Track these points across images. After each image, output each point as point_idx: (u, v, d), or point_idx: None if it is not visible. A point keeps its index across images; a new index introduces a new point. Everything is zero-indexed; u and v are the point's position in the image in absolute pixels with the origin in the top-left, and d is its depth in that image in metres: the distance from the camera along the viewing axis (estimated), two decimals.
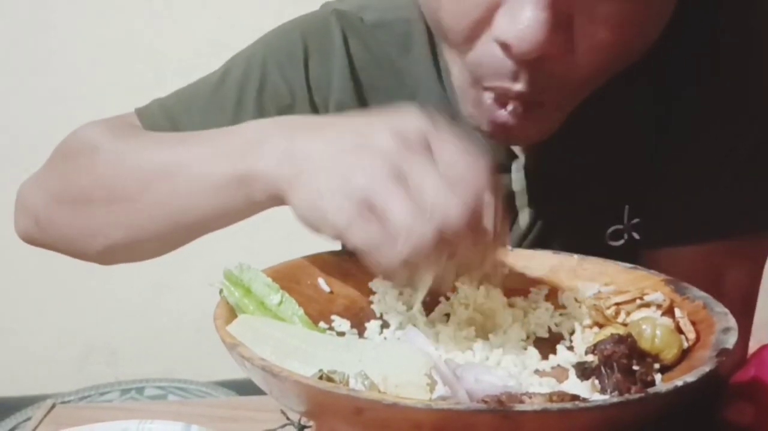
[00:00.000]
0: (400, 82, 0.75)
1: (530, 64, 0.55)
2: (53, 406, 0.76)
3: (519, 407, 0.39)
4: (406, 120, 0.51)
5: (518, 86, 0.57)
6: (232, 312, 0.52)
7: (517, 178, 0.72)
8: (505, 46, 0.55)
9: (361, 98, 0.76)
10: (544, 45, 0.53)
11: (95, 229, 0.68)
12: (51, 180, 0.73)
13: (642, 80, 0.69)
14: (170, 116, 0.77)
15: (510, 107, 0.60)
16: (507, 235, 0.53)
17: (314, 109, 0.76)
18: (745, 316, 0.72)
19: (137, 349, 1.71)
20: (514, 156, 0.72)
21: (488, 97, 0.60)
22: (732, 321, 0.49)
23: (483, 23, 0.56)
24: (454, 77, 0.64)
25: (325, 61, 0.75)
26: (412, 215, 0.47)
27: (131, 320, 1.71)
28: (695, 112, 0.68)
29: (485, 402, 0.40)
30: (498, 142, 0.66)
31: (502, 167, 0.72)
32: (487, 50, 0.57)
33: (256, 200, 0.57)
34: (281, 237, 1.29)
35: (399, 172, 0.48)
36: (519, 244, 0.74)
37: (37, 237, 0.74)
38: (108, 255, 0.70)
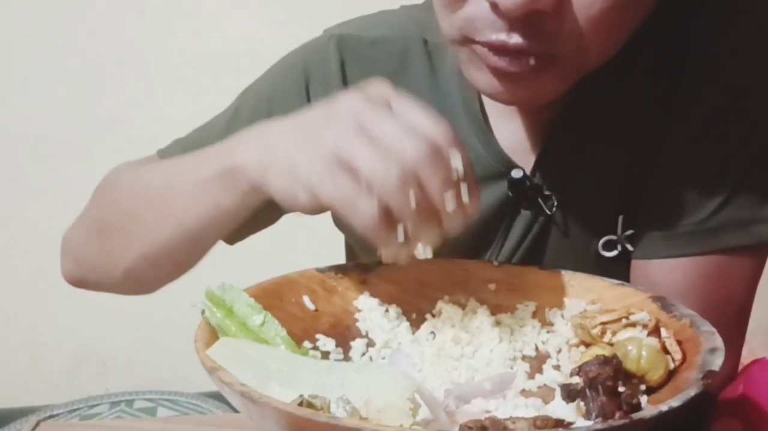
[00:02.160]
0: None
1: (522, 19, 0.56)
2: (38, 424, 0.75)
3: None
4: (369, 88, 0.56)
5: (515, 39, 0.58)
6: (213, 334, 0.51)
7: (513, 185, 0.72)
8: (493, 4, 0.56)
9: None
10: (529, 2, 0.54)
11: (116, 254, 0.72)
12: (85, 218, 0.79)
13: (640, 85, 0.69)
14: (188, 152, 0.78)
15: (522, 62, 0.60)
16: (476, 186, 0.54)
17: None
18: (737, 329, 0.71)
19: (128, 360, 1.70)
20: (512, 165, 0.71)
21: (481, 49, 0.60)
22: (719, 341, 0.48)
23: None
24: (445, 37, 0.64)
25: (324, 88, 0.77)
26: (376, 160, 0.50)
27: (122, 331, 1.69)
28: (692, 122, 0.68)
29: (467, 428, 0.40)
30: (501, 101, 0.65)
31: (499, 175, 0.72)
32: (478, 6, 0.58)
33: (241, 192, 0.60)
34: (274, 250, 1.29)
35: (363, 127, 0.52)
36: (513, 252, 0.73)
37: (78, 276, 0.79)
38: (131, 282, 0.74)
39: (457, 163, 0.52)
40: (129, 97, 1.67)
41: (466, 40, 0.61)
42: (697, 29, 0.67)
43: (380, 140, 0.51)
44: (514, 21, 0.56)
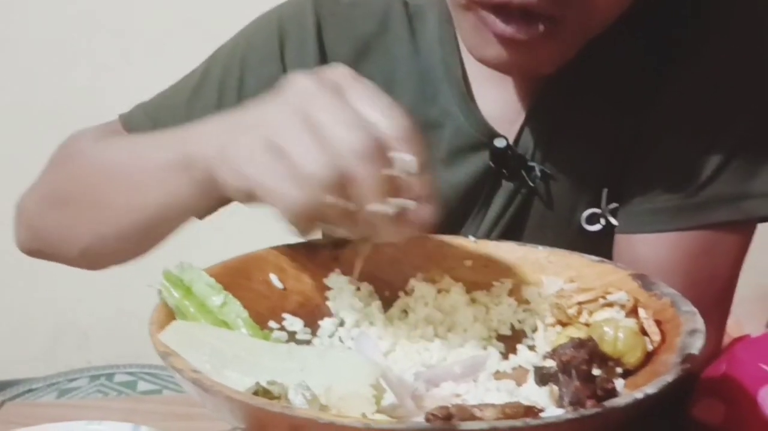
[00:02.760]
0: (376, 63, 0.73)
1: None
2: (2, 404, 0.73)
3: (464, 426, 0.36)
4: (326, 71, 0.51)
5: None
6: (169, 316, 0.49)
7: (496, 155, 0.69)
8: None
9: None
10: None
11: (73, 231, 0.69)
12: (42, 187, 0.75)
13: (629, 56, 0.67)
14: (153, 119, 0.76)
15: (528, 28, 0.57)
16: (429, 191, 0.48)
17: None
18: (721, 306, 0.70)
19: (109, 332, 1.68)
20: (495, 134, 0.69)
21: (488, 15, 0.58)
22: (699, 322, 0.46)
23: None
24: (451, 4, 0.62)
25: (300, 49, 0.74)
26: (310, 150, 0.46)
27: (102, 303, 1.67)
28: (681, 97, 0.65)
29: (429, 419, 0.38)
30: (502, 70, 0.64)
31: (480, 145, 0.69)
32: None
33: (198, 182, 0.56)
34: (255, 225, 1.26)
35: (305, 112, 0.47)
36: (494, 224, 0.71)
37: (33, 247, 0.76)
38: (89, 258, 0.71)
39: (405, 165, 0.46)
40: (104, 65, 1.63)
41: (472, 4, 0.58)
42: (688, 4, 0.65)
43: (319, 129, 0.46)
44: None
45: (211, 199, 0.58)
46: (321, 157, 0.45)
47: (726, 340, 0.98)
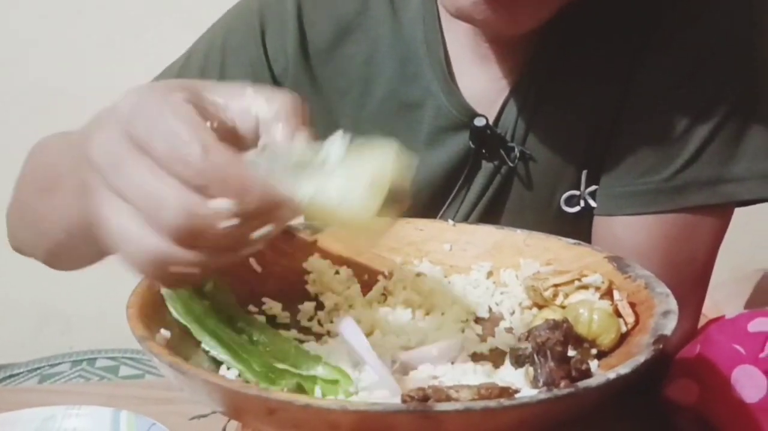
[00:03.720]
0: (357, 43, 0.73)
1: None
2: None
3: (440, 407, 0.36)
4: (134, 120, 0.40)
5: None
6: (147, 301, 0.49)
7: (475, 135, 0.69)
8: None
9: (310, 69, 0.74)
10: None
11: (31, 237, 0.70)
12: (14, 191, 0.74)
13: (608, 39, 0.67)
14: None
15: None
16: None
17: (275, 82, 0.75)
18: (698, 288, 0.71)
19: (92, 318, 1.68)
20: (475, 115, 0.69)
21: None
22: (672, 303, 0.47)
23: None
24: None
25: (280, 32, 0.73)
26: (128, 226, 0.39)
27: (86, 288, 1.66)
28: (660, 80, 0.66)
29: (405, 400, 0.38)
30: (478, 23, 0.61)
31: (460, 125, 0.70)
32: None
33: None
34: None
35: (112, 184, 0.39)
36: (474, 205, 0.72)
37: (14, 245, 0.76)
38: (53, 264, 0.71)
39: (222, 207, 0.38)
40: (87, 50, 1.62)
41: None
42: None
43: (132, 201, 0.38)
44: None
45: None
46: (173, 206, 0.37)
47: (704, 322, 1.00)
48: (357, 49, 0.73)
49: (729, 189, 0.65)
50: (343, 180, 0.40)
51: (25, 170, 0.71)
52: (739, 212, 0.74)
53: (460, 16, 0.60)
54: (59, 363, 1.35)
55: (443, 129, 0.70)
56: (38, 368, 1.34)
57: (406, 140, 0.70)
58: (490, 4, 0.57)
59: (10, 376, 1.34)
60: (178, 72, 0.76)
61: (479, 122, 0.69)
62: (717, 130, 0.64)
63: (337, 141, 0.41)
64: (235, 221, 0.38)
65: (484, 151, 0.70)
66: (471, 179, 0.72)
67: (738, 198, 0.66)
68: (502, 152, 0.69)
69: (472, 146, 0.69)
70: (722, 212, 0.67)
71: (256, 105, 0.43)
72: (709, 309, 1.48)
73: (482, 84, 0.70)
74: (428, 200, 0.71)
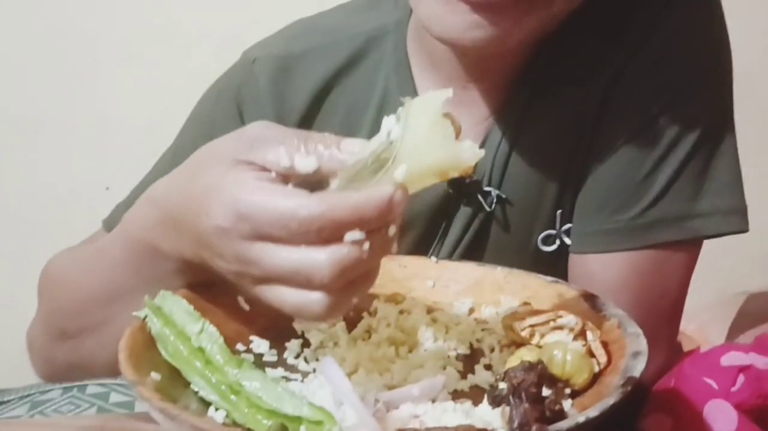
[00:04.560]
0: (334, 104, 0.75)
1: None
2: None
3: None
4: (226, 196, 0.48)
5: None
6: (138, 343, 0.50)
7: (452, 182, 0.71)
8: None
9: None
10: None
11: (86, 357, 0.66)
12: (40, 319, 0.72)
13: (577, 83, 0.69)
14: None
15: None
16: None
17: None
18: (672, 321, 0.73)
19: None
20: None
21: None
22: (642, 344, 0.49)
23: None
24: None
25: (256, 110, 0.75)
26: (295, 300, 0.47)
27: None
28: (627, 120, 0.68)
29: None
30: (463, 42, 0.62)
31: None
32: None
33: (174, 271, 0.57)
34: None
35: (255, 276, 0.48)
36: (454, 248, 0.74)
37: (56, 375, 0.74)
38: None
39: (355, 238, 0.45)
40: (74, 75, 1.63)
41: None
42: (637, 23, 0.67)
43: (281, 278, 0.47)
44: None
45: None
46: (320, 267, 0.45)
47: (690, 345, 1.02)
48: (335, 109, 0.75)
49: (696, 225, 0.67)
50: (417, 144, 0.46)
51: (51, 297, 0.69)
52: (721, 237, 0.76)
53: (447, 37, 0.62)
54: (50, 390, 1.35)
55: None
56: (29, 395, 1.35)
57: None
58: (485, 17, 0.59)
59: (1, 403, 1.35)
60: (170, 171, 0.77)
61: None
62: (682, 167, 0.67)
63: (389, 121, 0.47)
64: (367, 243, 0.45)
65: (461, 196, 0.72)
66: (450, 223, 0.74)
67: (705, 233, 0.68)
68: (479, 196, 0.71)
69: (450, 191, 0.71)
70: (691, 247, 0.70)
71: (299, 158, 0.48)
72: (694, 333, 1.50)
73: None
74: (409, 243, 0.73)
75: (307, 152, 0.48)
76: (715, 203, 0.67)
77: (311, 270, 0.45)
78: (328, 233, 0.45)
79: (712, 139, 0.68)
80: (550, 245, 0.72)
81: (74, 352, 0.66)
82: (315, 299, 0.46)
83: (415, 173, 0.46)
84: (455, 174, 0.48)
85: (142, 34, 1.62)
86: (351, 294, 0.48)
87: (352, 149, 0.48)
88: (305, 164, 0.48)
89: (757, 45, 1.62)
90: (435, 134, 0.46)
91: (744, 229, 0.68)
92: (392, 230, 0.47)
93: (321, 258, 0.45)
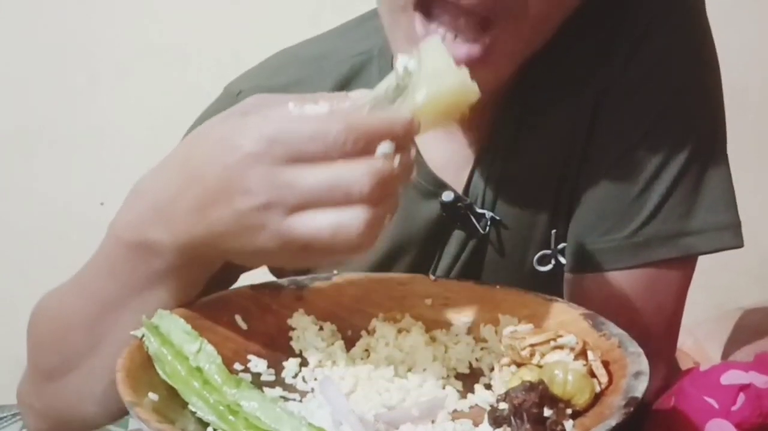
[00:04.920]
0: None
1: None
2: None
3: None
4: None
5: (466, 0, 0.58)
6: (135, 363, 0.50)
7: (446, 206, 0.71)
8: None
9: None
10: None
11: (74, 397, 0.62)
12: (29, 368, 0.68)
13: (566, 103, 0.69)
14: None
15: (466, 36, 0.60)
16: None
17: None
18: (669, 338, 0.72)
19: None
20: (443, 185, 0.71)
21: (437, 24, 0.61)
22: (644, 364, 0.49)
23: None
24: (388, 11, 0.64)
25: None
26: (332, 225, 0.47)
27: None
28: (618, 139, 0.68)
29: None
30: None
31: (430, 194, 0.72)
32: None
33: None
34: None
35: (283, 155, 0.47)
36: (449, 271, 0.73)
37: (50, 428, 0.69)
38: (109, 411, 0.62)
39: (386, 150, 0.48)
40: (71, 91, 1.63)
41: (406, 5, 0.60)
42: (623, 42, 0.67)
43: (318, 199, 0.47)
44: None
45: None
46: (359, 178, 0.46)
47: (688, 361, 1.01)
48: None
49: (689, 242, 0.67)
50: (432, 73, 0.51)
51: (41, 332, 0.65)
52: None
53: None
54: None
55: (414, 200, 0.73)
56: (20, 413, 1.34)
57: None
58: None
59: None
60: None
61: (447, 196, 0.71)
62: (674, 186, 0.67)
63: (403, 59, 0.52)
64: (398, 157, 0.48)
65: (455, 219, 0.72)
66: (444, 246, 0.74)
67: (699, 250, 0.68)
68: (473, 218, 0.71)
69: (444, 214, 0.71)
70: (685, 264, 0.70)
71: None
72: (692, 349, 1.49)
73: (447, 155, 0.73)
74: (405, 266, 0.72)
75: (315, 103, 0.50)
76: (708, 220, 0.67)
77: (350, 182, 0.46)
78: (362, 146, 0.47)
79: (703, 156, 0.68)
80: (545, 265, 0.72)
81: (60, 395, 0.63)
82: (353, 216, 0.47)
83: (433, 98, 0.51)
84: (465, 107, 0.52)
85: (140, 50, 1.62)
86: (385, 212, 0.48)
87: (360, 96, 0.51)
88: (317, 110, 0.50)
89: (748, 58, 1.63)
90: (446, 64, 0.52)
91: (738, 245, 0.68)
92: (413, 151, 0.50)
93: (359, 168, 0.46)
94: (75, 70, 1.63)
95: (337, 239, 0.47)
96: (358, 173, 0.46)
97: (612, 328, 0.54)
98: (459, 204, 0.71)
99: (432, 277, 0.65)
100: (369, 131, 0.47)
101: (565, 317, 0.58)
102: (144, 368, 0.51)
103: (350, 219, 0.47)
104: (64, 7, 1.61)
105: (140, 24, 1.63)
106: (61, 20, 1.62)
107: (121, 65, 1.64)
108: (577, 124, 0.69)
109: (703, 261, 0.73)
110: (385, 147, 0.48)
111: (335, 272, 0.64)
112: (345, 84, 0.74)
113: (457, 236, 0.72)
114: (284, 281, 0.64)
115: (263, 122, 0.48)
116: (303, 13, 1.56)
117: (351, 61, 0.74)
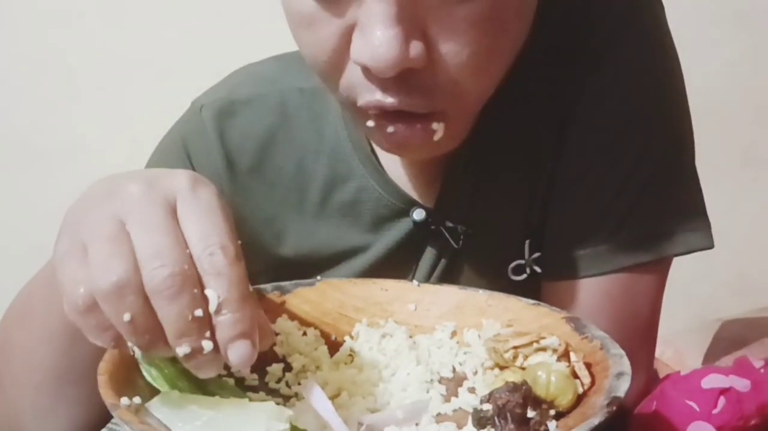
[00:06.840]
0: (284, 153, 0.75)
1: (396, 79, 0.55)
2: None
3: None
4: (164, 178, 0.48)
5: (390, 100, 0.57)
6: (118, 366, 0.50)
7: (417, 224, 0.72)
8: (364, 68, 0.55)
9: (243, 187, 0.76)
10: (400, 61, 0.53)
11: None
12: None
13: (533, 113, 0.70)
14: None
15: (399, 126, 0.59)
16: (243, 320, 0.46)
17: None
18: (647, 342, 0.73)
19: None
20: (413, 202, 0.72)
21: (371, 115, 0.60)
22: (626, 365, 0.49)
23: (343, 49, 0.57)
24: (341, 110, 0.64)
25: (207, 160, 0.75)
26: (108, 262, 0.44)
27: None
28: (585, 148, 0.69)
29: None
30: (402, 155, 0.66)
31: (401, 212, 0.73)
32: (355, 72, 0.57)
33: None
34: None
35: (121, 222, 0.45)
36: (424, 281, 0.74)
37: None
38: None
39: (212, 294, 0.44)
40: (51, 103, 1.63)
41: (352, 105, 0.60)
42: (584, 54, 0.68)
43: (127, 244, 0.44)
44: (387, 81, 0.56)
45: None
46: (113, 271, 0.43)
47: (667, 372, 1.02)
48: (285, 160, 0.75)
49: (661, 244, 0.68)
50: None
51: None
52: (697, 263, 0.76)
53: (394, 152, 0.64)
54: None
55: (385, 218, 0.73)
56: None
57: (351, 232, 0.73)
58: (413, 149, 0.61)
59: None
60: None
61: (419, 215, 0.72)
62: (643, 191, 0.68)
63: None
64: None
65: (427, 236, 0.72)
66: (418, 262, 0.74)
67: (670, 253, 0.69)
68: (446, 233, 0.72)
69: (416, 231, 0.72)
70: (659, 267, 0.70)
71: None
72: (672, 359, 1.50)
73: (416, 172, 0.73)
74: None
75: None
76: (678, 223, 0.68)
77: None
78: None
79: (670, 163, 0.69)
80: (520, 274, 0.72)
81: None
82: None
83: None
84: None
85: (121, 64, 1.62)
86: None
87: None
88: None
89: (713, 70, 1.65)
90: None
91: (709, 245, 0.69)
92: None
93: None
94: (55, 86, 1.63)
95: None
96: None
97: (594, 331, 0.55)
98: (430, 220, 0.71)
99: (415, 282, 0.65)
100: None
101: (548, 320, 0.58)
102: (127, 371, 0.50)
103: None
104: (45, 20, 1.61)
105: (121, 39, 1.63)
106: (41, 35, 1.61)
107: (102, 80, 1.64)
108: (543, 137, 0.70)
109: (683, 273, 0.74)
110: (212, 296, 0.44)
111: (318, 278, 0.64)
112: (302, 107, 0.75)
113: (431, 252, 0.73)
114: (267, 286, 0.64)
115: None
116: (285, 29, 1.57)
117: (311, 84, 0.74)
